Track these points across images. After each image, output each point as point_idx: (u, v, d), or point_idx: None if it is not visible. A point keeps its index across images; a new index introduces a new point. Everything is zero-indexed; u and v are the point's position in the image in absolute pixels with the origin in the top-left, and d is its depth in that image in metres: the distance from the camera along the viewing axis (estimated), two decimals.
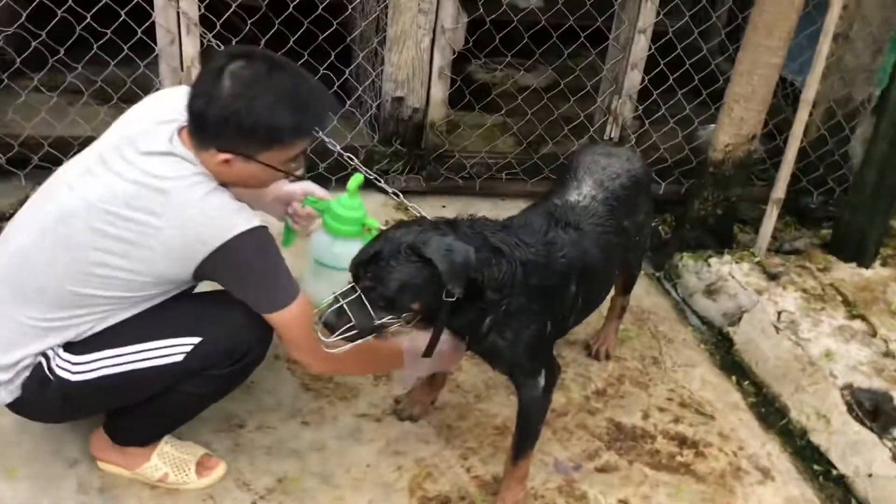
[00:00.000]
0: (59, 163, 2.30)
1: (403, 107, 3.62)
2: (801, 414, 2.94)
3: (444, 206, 3.94)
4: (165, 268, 1.95)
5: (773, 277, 3.49)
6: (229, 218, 1.93)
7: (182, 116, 1.97)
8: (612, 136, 3.84)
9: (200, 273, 1.97)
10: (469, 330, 2.14)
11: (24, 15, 3.26)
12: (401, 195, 2.88)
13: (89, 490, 2.30)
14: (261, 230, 1.96)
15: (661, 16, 3.59)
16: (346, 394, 2.75)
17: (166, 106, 2.04)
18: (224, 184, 2.01)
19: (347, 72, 3.58)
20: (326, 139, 2.92)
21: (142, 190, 1.90)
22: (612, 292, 2.99)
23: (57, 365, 2.02)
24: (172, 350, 2.03)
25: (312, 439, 2.56)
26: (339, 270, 2.08)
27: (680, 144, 3.98)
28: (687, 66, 3.74)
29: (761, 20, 3.23)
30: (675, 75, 3.78)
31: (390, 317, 1.99)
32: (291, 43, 3.36)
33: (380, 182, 2.85)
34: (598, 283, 2.43)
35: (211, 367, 2.07)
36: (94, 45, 3.24)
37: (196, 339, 2.04)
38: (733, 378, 3.15)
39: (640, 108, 3.96)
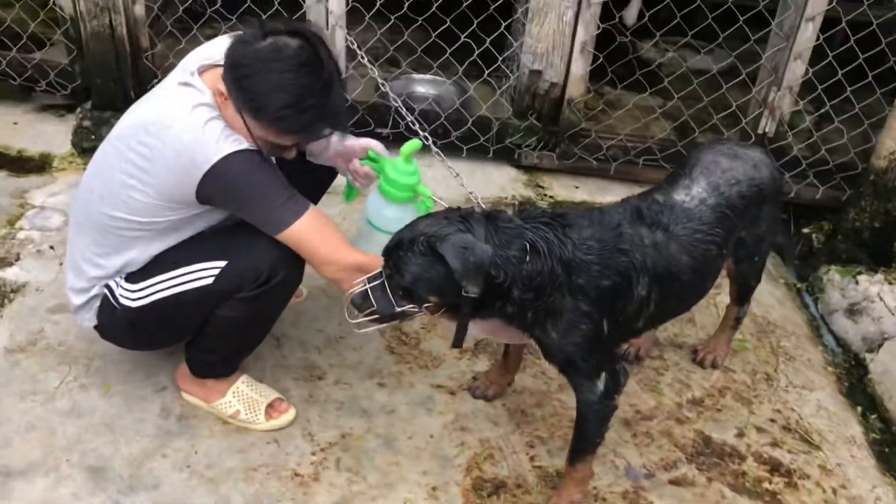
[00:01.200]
0: None
1: (541, 81, 3.52)
2: None
3: (576, 187, 3.82)
4: (171, 191, 2.05)
5: None
6: (219, 142, 1.99)
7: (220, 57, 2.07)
8: (767, 130, 3.53)
9: (202, 197, 2.05)
10: (514, 320, 2.06)
11: None
12: (458, 173, 2.79)
13: (169, 415, 2.46)
14: (248, 152, 2.02)
15: (834, 3, 3.22)
16: (428, 362, 2.75)
17: (217, 46, 2.14)
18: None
19: (487, 41, 3.51)
20: (397, 100, 2.87)
21: (157, 117, 2.03)
22: (728, 300, 2.80)
23: (120, 294, 2.22)
24: (204, 273, 2.15)
25: (384, 402, 2.59)
26: (388, 234, 2.07)
27: (847, 145, 3.59)
28: (860, 59, 3.34)
29: None
30: (846, 69, 3.39)
31: (410, 305, 1.97)
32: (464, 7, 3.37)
33: (441, 156, 2.78)
34: (680, 291, 2.23)
35: (240, 290, 2.16)
36: (248, 0, 3.39)
37: (223, 263, 2.15)
38: (858, 409, 2.85)
39: (802, 101, 3.61)
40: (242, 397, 2.44)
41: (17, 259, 2.99)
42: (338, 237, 2.13)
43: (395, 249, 1.97)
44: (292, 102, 1.95)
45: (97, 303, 2.27)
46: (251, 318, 2.26)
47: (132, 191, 2.07)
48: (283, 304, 2.34)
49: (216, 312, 2.20)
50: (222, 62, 2.04)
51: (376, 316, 2.02)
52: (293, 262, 2.17)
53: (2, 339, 2.65)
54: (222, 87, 2.00)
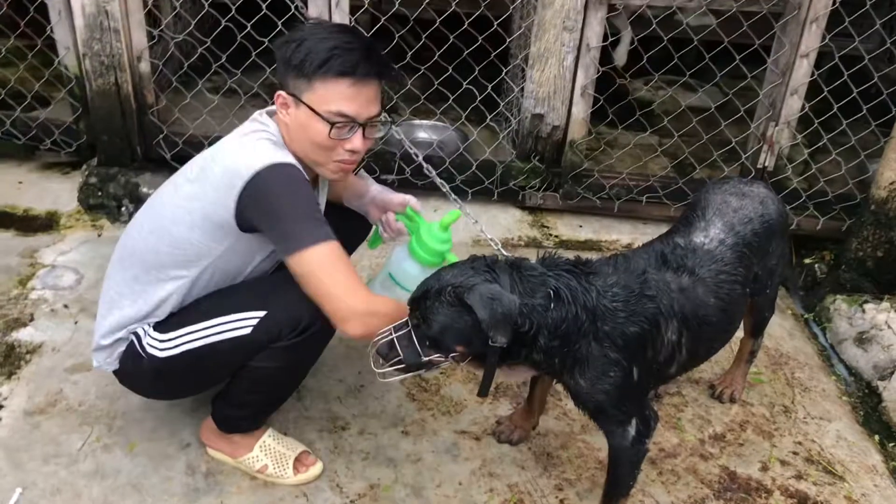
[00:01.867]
0: None
1: (543, 124, 3.58)
2: None
3: (580, 226, 3.87)
4: (213, 210, 2.08)
5: None
6: (266, 153, 2.04)
7: None
8: (766, 164, 3.60)
9: (241, 215, 2.05)
10: (542, 367, 2.07)
11: (193, 23, 3.51)
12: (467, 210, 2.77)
13: (196, 472, 2.44)
14: (293, 167, 2.06)
15: (826, 39, 3.32)
16: (450, 408, 2.75)
17: None
18: (298, 157, 2.13)
19: (489, 87, 3.58)
20: (409, 144, 2.89)
21: (215, 149, 2.16)
22: (741, 334, 2.83)
23: (147, 343, 2.22)
24: (242, 323, 2.15)
25: (410, 450, 2.58)
26: (407, 291, 2.08)
27: (844, 177, 3.67)
28: (855, 93, 3.43)
29: None
30: (841, 103, 3.48)
31: (437, 355, 1.98)
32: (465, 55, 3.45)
33: (459, 204, 2.80)
34: (710, 335, 2.25)
35: (277, 340, 2.15)
36: (253, 53, 3.43)
37: (262, 312, 2.15)
38: (876, 438, 2.87)
39: (800, 135, 3.69)
40: (270, 451, 2.43)
41: (32, 319, 2.97)
42: (355, 278, 2.08)
43: (423, 299, 1.98)
44: (338, 44, 2.01)
45: (121, 347, 2.26)
46: (286, 368, 2.25)
47: (179, 223, 2.12)
48: (318, 355, 2.35)
49: (250, 363, 2.20)
50: None
51: (402, 365, 2.02)
52: None
53: (20, 401, 2.63)
54: (280, 98, 2.09)
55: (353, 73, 2.02)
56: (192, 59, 3.59)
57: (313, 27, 2.10)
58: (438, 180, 2.60)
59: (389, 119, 2.32)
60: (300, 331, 2.15)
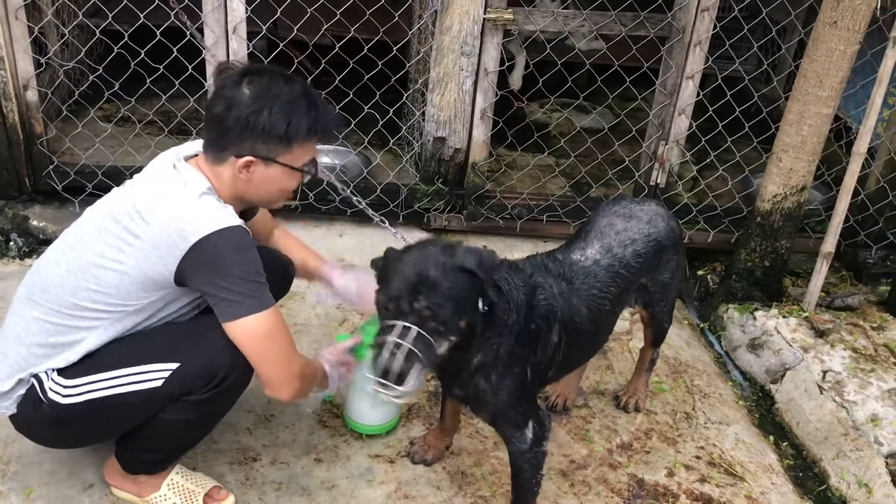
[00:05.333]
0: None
1: (445, 147, 3.63)
2: (842, 481, 2.79)
3: (485, 246, 3.91)
4: (150, 266, 1.99)
5: (820, 334, 3.34)
6: (213, 215, 1.99)
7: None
8: (658, 181, 3.76)
9: (181, 273, 1.99)
10: (457, 369, 2.12)
11: (83, 51, 3.41)
12: (394, 230, 2.73)
13: None
14: (241, 229, 2.02)
15: (709, 62, 3.51)
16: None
17: (193, 144, 2.18)
18: (242, 203, 2.12)
19: (391, 111, 3.61)
20: (328, 174, 2.89)
21: (148, 199, 2.02)
22: (642, 343, 2.93)
23: (49, 388, 2.08)
24: (152, 375, 2.06)
25: (324, 478, 2.55)
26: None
27: (731, 191, 3.87)
28: (737, 112, 3.64)
29: (811, 69, 3.13)
30: (725, 122, 3.68)
31: (445, 343, 1.93)
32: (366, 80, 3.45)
33: (379, 219, 2.78)
34: (583, 342, 2.36)
35: (190, 393, 2.08)
36: (148, 80, 3.36)
37: (174, 364, 2.07)
38: (771, 438, 3.02)
39: (689, 153, 3.87)
40: (178, 489, 2.36)
41: None
42: (289, 343, 2.10)
43: (424, 287, 1.86)
44: (309, 106, 2.03)
45: (21, 390, 2.12)
46: (197, 420, 2.17)
47: (106, 270, 2.01)
48: (232, 404, 2.27)
49: (159, 415, 2.11)
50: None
51: (421, 367, 1.89)
52: (247, 363, 2.11)
53: None
54: (240, 162, 2.02)
55: (326, 129, 2.10)
56: (82, 88, 3.48)
57: (270, 86, 2.01)
58: (354, 198, 2.61)
59: None
60: (215, 384, 2.09)
